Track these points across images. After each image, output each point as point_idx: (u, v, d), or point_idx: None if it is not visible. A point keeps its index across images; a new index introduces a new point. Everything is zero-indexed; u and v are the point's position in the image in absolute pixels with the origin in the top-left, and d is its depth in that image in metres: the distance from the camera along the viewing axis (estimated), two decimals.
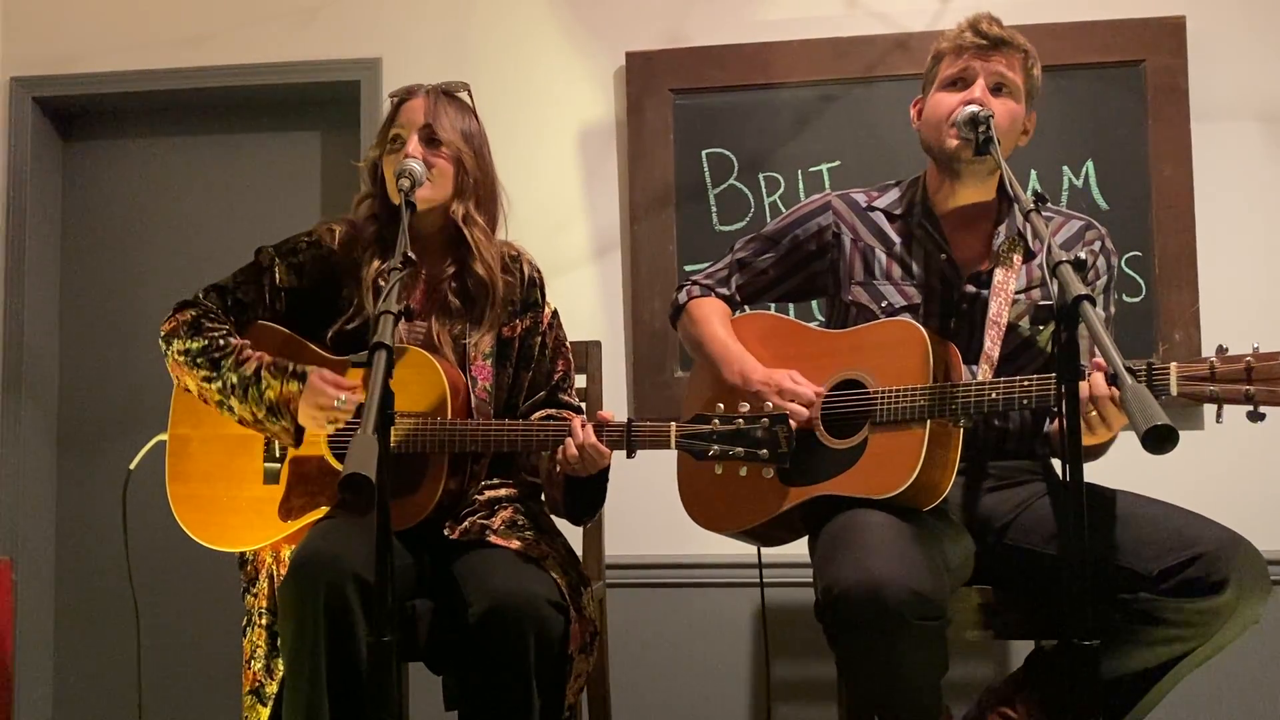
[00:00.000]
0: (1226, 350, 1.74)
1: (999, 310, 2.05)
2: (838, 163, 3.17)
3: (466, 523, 2.12)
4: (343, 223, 2.23)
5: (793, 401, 2.00)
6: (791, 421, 1.95)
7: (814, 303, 2.98)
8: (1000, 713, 2.03)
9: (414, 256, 1.84)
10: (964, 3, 2.97)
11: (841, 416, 2.03)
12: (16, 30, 3.50)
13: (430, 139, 2.13)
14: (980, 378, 1.98)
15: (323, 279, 2.19)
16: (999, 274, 2.08)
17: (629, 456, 2.02)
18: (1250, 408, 1.70)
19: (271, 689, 2.03)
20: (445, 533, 2.10)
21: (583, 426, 2.01)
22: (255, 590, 2.11)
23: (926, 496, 1.93)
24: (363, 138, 3.30)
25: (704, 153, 3.21)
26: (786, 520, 2.08)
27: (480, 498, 2.18)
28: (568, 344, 2.35)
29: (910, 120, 2.20)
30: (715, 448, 1.95)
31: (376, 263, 2.15)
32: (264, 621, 2.07)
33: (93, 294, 3.59)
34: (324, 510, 2.08)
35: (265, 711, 2.02)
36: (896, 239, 2.18)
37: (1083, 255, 2.09)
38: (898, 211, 2.20)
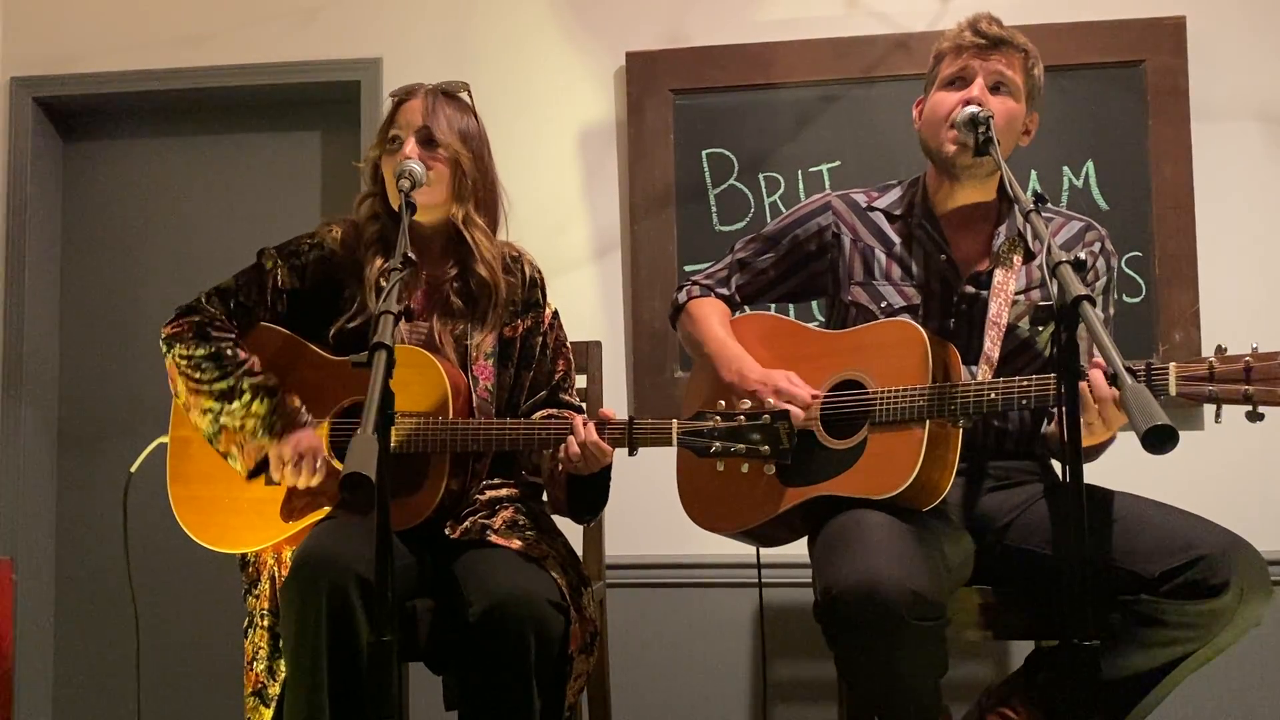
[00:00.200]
0: (1225, 350, 1.74)
1: (999, 311, 2.05)
2: (838, 163, 3.17)
3: (467, 522, 2.12)
4: (345, 223, 2.23)
5: (788, 403, 2.00)
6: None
7: (814, 303, 2.98)
8: (999, 713, 2.02)
9: (414, 257, 1.84)
10: (964, 3, 2.97)
11: (841, 417, 2.03)
12: (17, 30, 3.50)
13: (427, 140, 2.13)
14: (980, 378, 1.98)
15: (324, 280, 2.19)
16: (999, 274, 2.08)
17: (631, 454, 2.02)
18: (1249, 408, 1.69)
19: (274, 690, 2.03)
20: (446, 532, 2.10)
21: (584, 425, 2.01)
22: (257, 592, 2.11)
23: (926, 497, 1.93)
24: (363, 138, 3.30)
25: (704, 153, 3.22)
26: (786, 520, 2.08)
27: (481, 497, 2.18)
28: (568, 344, 2.35)
29: (912, 120, 2.20)
30: (717, 444, 1.95)
31: (378, 261, 2.15)
32: (266, 623, 2.07)
33: (93, 294, 3.59)
34: (325, 511, 2.08)
35: (268, 713, 2.03)
36: (896, 239, 2.18)
37: (1083, 256, 2.10)
38: (898, 212, 2.20)
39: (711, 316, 2.25)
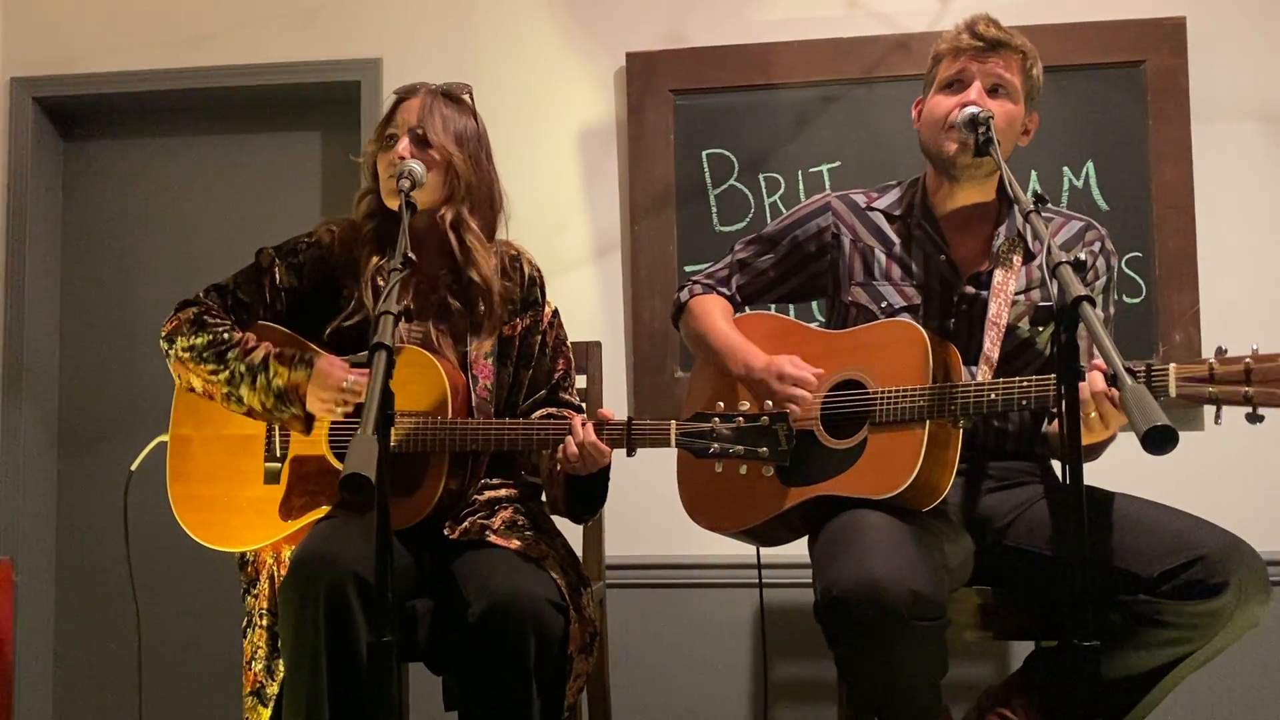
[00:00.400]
0: (1225, 351, 1.74)
1: (998, 311, 2.05)
2: (838, 163, 3.17)
3: (466, 522, 2.12)
4: (343, 222, 2.23)
5: (794, 386, 2.00)
6: (791, 420, 1.95)
7: (814, 303, 2.98)
8: (998, 714, 2.02)
9: (414, 257, 1.84)
10: (965, 3, 2.97)
11: (841, 417, 2.03)
12: (17, 30, 3.50)
13: (420, 141, 2.13)
14: (980, 379, 1.98)
15: (323, 279, 2.19)
16: (998, 275, 2.08)
17: (629, 455, 2.02)
18: (1249, 409, 1.69)
19: (273, 690, 2.03)
20: (445, 532, 2.10)
21: (583, 425, 2.01)
22: (256, 591, 2.11)
23: (926, 497, 1.93)
24: (363, 138, 3.29)
25: (704, 153, 3.22)
26: (786, 520, 2.08)
27: (480, 497, 2.18)
28: (568, 343, 2.35)
29: (912, 121, 2.20)
30: (715, 445, 1.95)
31: (375, 259, 2.15)
32: (265, 622, 2.07)
33: (93, 294, 3.59)
34: (324, 510, 2.08)
35: (266, 712, 2.03)
36: (896, 240, 2.18)
37: (1082, 256, 2.10)
38: (897, 212, 2.20)
39: (714, 312, 2.25)
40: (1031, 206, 1.77)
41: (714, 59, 3.22)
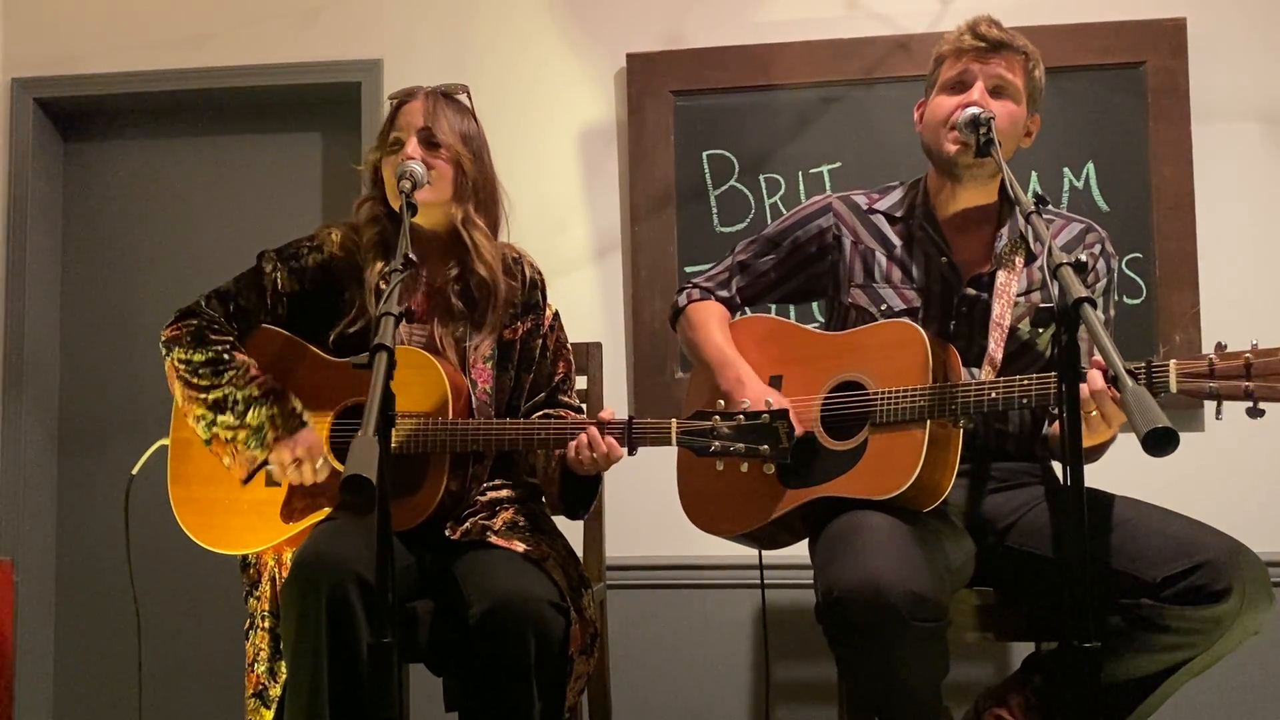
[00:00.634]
0: (1226, 347, 1.74)
1: (1002, 312, 2.05)
2: (838, 164, 3.17)
3: (468, 523, 2.12)
4: (344, 226, 2.23)
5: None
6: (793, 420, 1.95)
7: (814, 305, 2.97)
8: (995, 714, 2.02)
9: (415, 258, 1.85)
10: (965, 4, 2.97)
11: (841, 418, 2.03)
12: (17, 31, 3.50)
13: (429, 141, 2.13)
14: (982, 379, 1.98)
15: (324, 283, 2.19)
16: (1001, 276, 2.08)
17: (631, 453, 2.02)
18: (1250, 404, 1.70)
19: (275, 692, 2.03)
20: (446, 533, 2.10)
21: (603, 436, 2.01)
22: (258, 593, 2.11)
23: (927, 498, 1.93)
24: (364, 139, 3.30)
25: (705, 154, 3.22)
26: (786, 522, 2.08)
27: (481, 498, 2.18)
28: (569, 345, 2.35)
29: (914, 123, 2.20)
30: (716, 444, 1.95)
31: (379, 265, 2.15)
32: (267, 624, 2.07)
33: (93, 295, 3.59)
34: (325, 512, 2.09)
35: (269, 714, 2.03)
36: (897, 241, 2.18)
37: (1083, 258, 2.10)
38: (899, 214, 2.20)
39: (710, 321, 2.24)
40: (1032, 208, 1.77)
41: (714, 60, 3.22)
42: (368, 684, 1.83)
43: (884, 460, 1.95)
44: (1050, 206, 2.15)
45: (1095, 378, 1.74)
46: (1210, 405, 1.74)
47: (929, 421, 1.91)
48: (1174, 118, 3.05)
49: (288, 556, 2.03)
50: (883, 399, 1.97)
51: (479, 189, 2.19)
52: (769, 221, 2.49)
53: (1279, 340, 1.77)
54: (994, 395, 1.89)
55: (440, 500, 2.05)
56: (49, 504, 3.53)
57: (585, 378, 2.58)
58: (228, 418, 2.06)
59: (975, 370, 2.04)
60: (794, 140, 3.18)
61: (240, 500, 2.13)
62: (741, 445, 1.94)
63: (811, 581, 1.89)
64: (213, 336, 2.10)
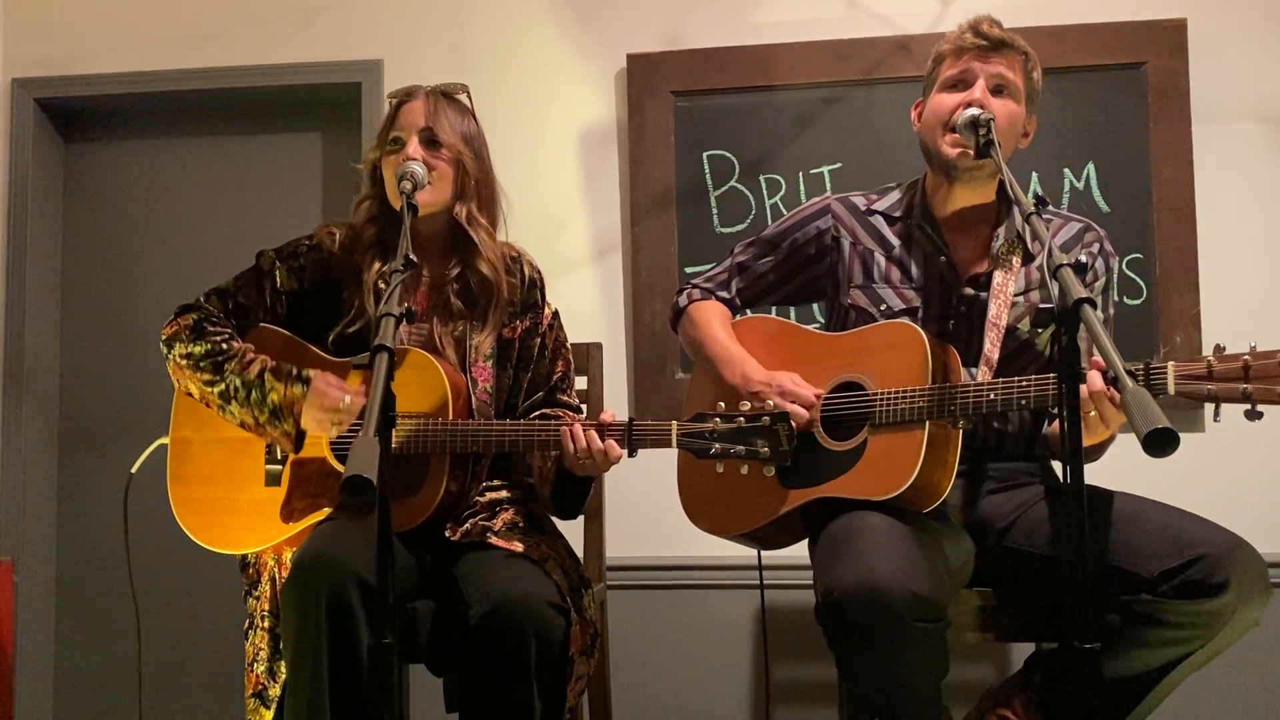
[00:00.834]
0: (1224, 349, 1.74)
1: (998, 312, 2.05)
2: (839, 165, 3.17)
3: (468, 524, 2.12)
4: (343, 225, 2.23)
5: (793, 403, 2.00)
6: (792, 421, 1.95)
7: (814, 306, 2.98)
8: (998, 714, 2.03)
9: (415, 259, 1.85)
10: (965, 5, 2.97)
11: (841, 418, 2.03)
12: (18, 32, 3.50)
13: (430, 141, 2.14)
14: (979, 380, 1.98)
15: (323, 282, 2.19)
16: (998, 276, 2.08)
17: (631, 455, 2.02)
18: (1248, 406, 1.70)
19: (275, 692, 2.03)
20: (446, 534, 2.10)
21: (584, 431, 2.01)
22: (257, 593, 2.11)
23: (926, 498, 1.93)
24: (364, 139, 3.30)
25: (705, 154, 3.22)
26: (786, 523, 2.08)
27: (481, 499, 2.18)
28: (568, 345, 2.35)
29: (912, 124, 2.20)
30: (716, 446, 1.95)
31: (377, 265, 2.15)
32: (266, 624, 2.07)
33: (94, 295, 3.59)
34: (326, 512, 2.08)
35: (269, 714, 2.03)
36: (896, 242, 2.18)
37: (1082, 258, 2.10)
38: (897, 214, 2.20)
39: (713, 319, 2.25)
40: (1032, 209, 1.77)
41: (714, 60, 3.22)
42: (368, 685, 1.84)
43: (883, 461, 1.95)
44: (1049, 206, 2.15)
45: (1095, 379, 1.74)
46: (1209, 406, 1.74)
47: (928, 422, 1.91)
48: (1174, 118, 3.05)
49: (288, 556, 2.03)
50: (882, 400, 1.97)
51: (480, 188, 2.19)
52: (769, 222, 2.50)
53: (1279, 342, 1.77)
54: (993, 396, 1.89)
55: (440, 501, 2.05)
56: (49, 504, 3.53)
57: (585, 378, 2.58)
58: (239, 407, 2.05)
59: (973, 370, 2.04)
60: (794, 141, 3.18)
61: (240, 500, 2.13)
62: (741, 447, 1.94)
63: (811, 582, 1.89)
64: (210, 329, 2.10)
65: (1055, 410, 1.81)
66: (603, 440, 2.01)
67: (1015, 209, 1.88)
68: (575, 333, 2.43)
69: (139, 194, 3.60)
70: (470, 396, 2.15)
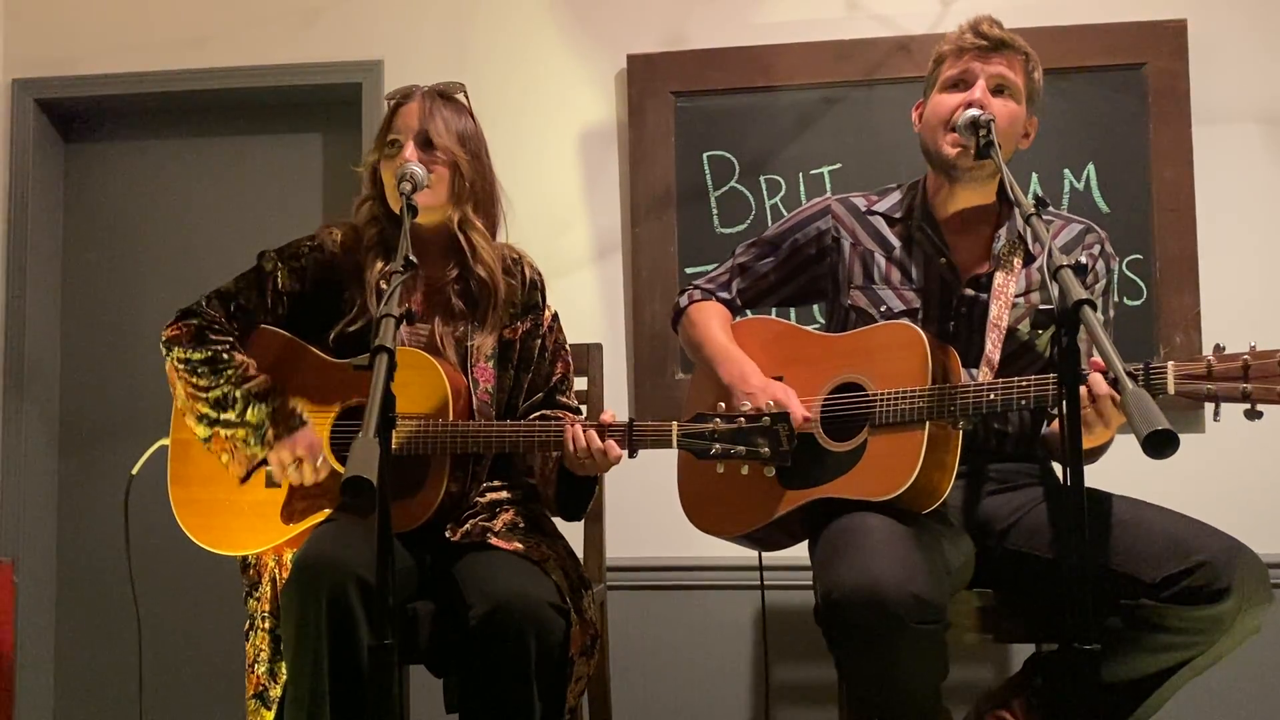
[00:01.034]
0: (1224, 349, 1.74)
1: (999, 314, 2.05)
2: (839, 165, 3.17)
3: (468, 525, 2.12)
4: (345, 226, 2.23)
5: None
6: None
7: (815, 307, 2.98)
8: (996, 715, 2.02)
9: (415, 260, 1.85)
10: (965, 5, 2.97)
11: (841, 419, 2.03)
12: (18, 32, 3.50)
13: (426, 144, 2.13)
14: (980, 381, 1.98)
15: (324, 283, 2.19)
16: (999, 277, 2.08)
17: (631, 456, 2.02)
18: (1247, 406, 1.70)
19: (275, 693, 2.03)
20: (447, 535, 2.10)
21: (584, 431, 2.01)
22: (258, 594, 2.11)
23: (926, 499, 1.93)
24: (364, 140, 3.30)
25: (705, 155, 3.22)
26: (786, 524, 2.08)
27: (482, 500, 2.18)
28: (567, 346, 2.35)
29: (912, 124, 2.20)
30: (717, 446, 1.95)
31: (379, 265, 2.15)
32: (267, 625, 2.07)
33: (94, 296, 3.59)
34: (326, 513, 2.08)
35: (270, 715, 2.03)
36: (896, 243, 2.18)
37: (1083, 259, 2.10)
38: (897, 215, 2.20)
39: (712, 321, 2.25)
40: (1032, 210, 1.77)
41: (715, 61, 3.22)
42: (368, 686, 1.84)
43: (883, 462, 1.95)
44: (1050, 207, 2.15)
45: (1097, 381, 1.74)
46: (1209, 406, 1.74)
47: (928, 423, 1.91)
48: (1174, 119, 3.05)
49: (288, 557, 2.03)
50: (882, 400, 1.97)
51: (477, 190, 2.19)
52: (769, 223, 2.50)
53: (1279, 342, 1.77)
54: (993, 397, 1.89)
55: (440, 502, 2.05)
56: (49, 504, 3.53)
57: (585, 379, 2.58)
58: (229, 415, 2.06)
59: (973, 371, 2.04)
60: (794, 141, 3.18)
61: (240, 501, 2.13)
62: (742, 448, 1.94)
63: (811, 583, 1.89)
64: (212, 336, 2.11)
65: (1055, 411, 1.80)
66: (602, 440, 2.01)
67: (1016, 210, 1.88)
68: (575, 333, 2.43)
69: (139, 194, 3.60)
70: (471, 397, 2.15)
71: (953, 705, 2.02)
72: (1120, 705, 1.90)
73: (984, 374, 2.01)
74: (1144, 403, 1.39)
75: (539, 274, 2.32)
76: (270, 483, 2.14)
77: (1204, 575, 1.80)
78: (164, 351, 2.13)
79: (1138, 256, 3.04)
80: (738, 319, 2.30)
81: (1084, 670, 1.50)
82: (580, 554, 2.36)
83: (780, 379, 2.13)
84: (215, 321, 2.13)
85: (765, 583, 2.30)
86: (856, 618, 1.76)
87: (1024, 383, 1.87)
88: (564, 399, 2.31)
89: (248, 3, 3.43)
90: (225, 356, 2.09)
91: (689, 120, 3.22)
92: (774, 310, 2.53)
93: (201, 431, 2.10)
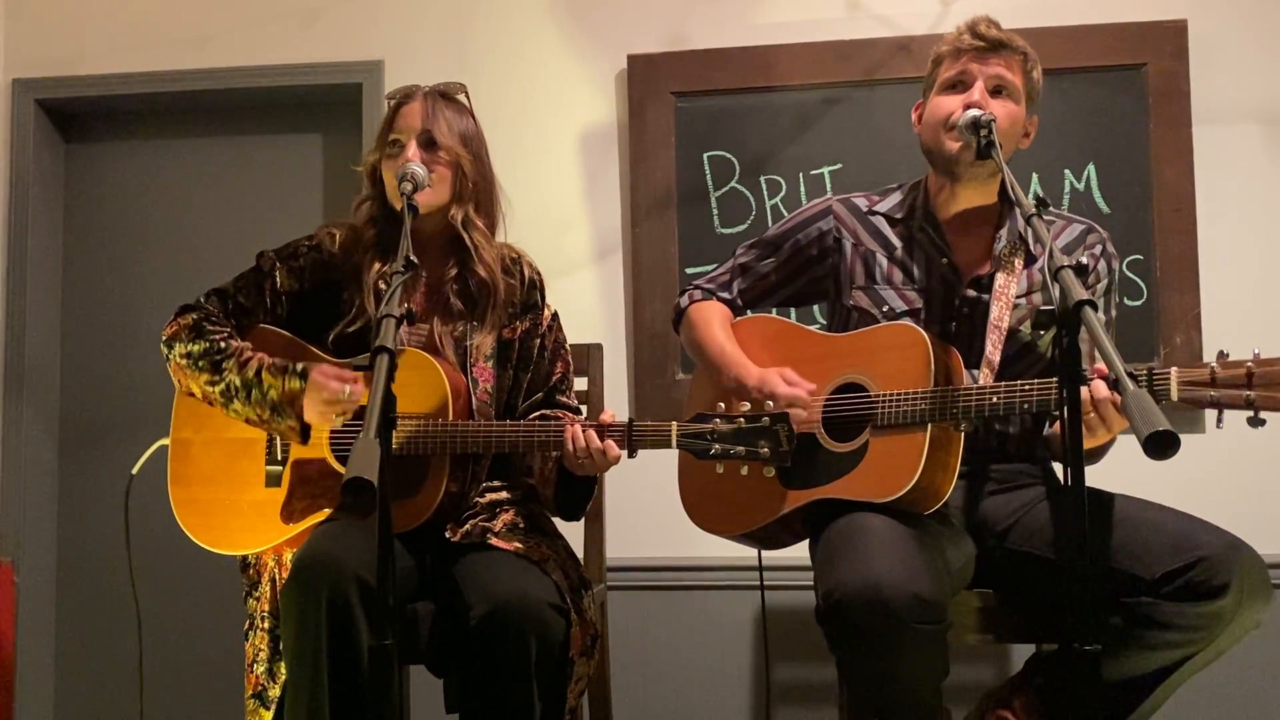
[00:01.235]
0: (1227, 355, 1.74)
1: (1000, 314, 2.05)
2: (839, 165, 3.17)
3: (468, 525, 2.12)
4: (344, 226, 2.23)
5: (788, 406, 2.00)
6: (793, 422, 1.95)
7: (815, 307, 2.97)
8: (997, 715, 2.02)
9: (416, 259, 1.85)
10: (965, 5, 2.97)
11: (843, 420, 2.03)
12: (19, 32, 3.50)
13: (429, 144, 2.14)
14: (981, 382, 1.98)
15: (324, 283, 2.19)
16: (1000, 278, 2.08)
17: (631, 456, 2.02)
18: (1250, 413, 1.70)
19: (275, 693, 2.03)
20: (447, 535, 2.10)
21: (584, 430, 2.01)
22: (257, 594, 2.11)
23: (928, 500, 1.93)
24: (364, 140, 3.30)
25: (705, 155, 3.22)
26: (787, 523, 2.08)
27: (482, 500, 2.18)
28: (567, 346, 2.35)
29: (912, 125, 2.20)
30: (716, 446, 1.95)
31: (378, 265, 2.15)
32: (266, 625, 2.07)
33: (94, 296, 3.59)
34: (326, 513, 2.08)
35: (269, 715, 2.03)
36: (898, 243, 2.18)
37: (1084, 260, 2.10)
38: (899, 215, 2.20)
39: (713, 321, 2.25)
40: (1033, 210, 1.77)
41: (715, 61, 3.22)
42: (368, 686, 1.84)
43: (885, 462, 1.95)
44: (1051, 208, 2.15)
45: (1099, 386, 1.74)
46: (1211, 413, 1.74)
47: (930, 424, 1.91)
48: (1175, 120, 3.05)
49: (288, 557, 2.03)
50: (884, 401, 1.97)
51: (478, 189, 2.19)
52: (770, 223, 2.50)
53: (1278, 342, 1.77)
54: (995, 399, 1.89)
55: (440, 502, 2.05)
56: (49, 504, 3.53)
57: (585, 379, 2.58)
58: (241, 404, 2.05)
59: (974, 372, 2.04)
60: (795, 142, 3.18)
61: (240, 501, 2.13)
62: (742, 448, 1.94)
63: (811, 583, 1.89)
64: (209, 328, 2.11)
65: (1056, 412, 1.80)
66: (602, 440, 2.01)
67: (1017, 210, 1.88)
68: (575, 333, 2.42)
69: (139, 194, 3.60)
70: (470, 397, 2.15)
71: (953, 705, 2.02)
72: (1121, 703, 1.90)
73: (984, 375, 2.01)
74: (1145, 404, 1.39)
75: (538, 274, 2.32)
76: (270, 482, 2.14)
77: (1203, 571, 1.80)
78: (165, 351, 2.13)
79: (1138, 257, 3.04)
80: (737, 319, 2.30)
81: (1085, 670, 1.50)
82: (580, 554, 2.36)
83: None
84: (212, 315, 2.13)
85: (765, 583, 2.30)
86: (857, 618, 1.76)
87: (1027, 386, 1.87)
88: (563, 399, 2.31)
89: (248, 3, 3.43)
90: (221, 345, 2.08)
91: (689, 120, 3.22)
92: (775, 310, 2.53)
93: (237, 418, 2.07)
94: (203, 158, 3.59)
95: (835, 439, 2.03)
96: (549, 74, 3.32)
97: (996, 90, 2.07)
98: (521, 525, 2.15)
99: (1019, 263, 2.09)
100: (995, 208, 2.15)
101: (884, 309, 2.14)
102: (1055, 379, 1.76)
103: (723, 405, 2.05)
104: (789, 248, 2.26)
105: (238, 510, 2.13)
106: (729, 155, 3.21)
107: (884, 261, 2.17)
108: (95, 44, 3.46)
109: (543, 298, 2.32)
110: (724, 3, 3.26)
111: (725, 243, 3.09)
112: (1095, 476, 1.72)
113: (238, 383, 2.04)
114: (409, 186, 2.03)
